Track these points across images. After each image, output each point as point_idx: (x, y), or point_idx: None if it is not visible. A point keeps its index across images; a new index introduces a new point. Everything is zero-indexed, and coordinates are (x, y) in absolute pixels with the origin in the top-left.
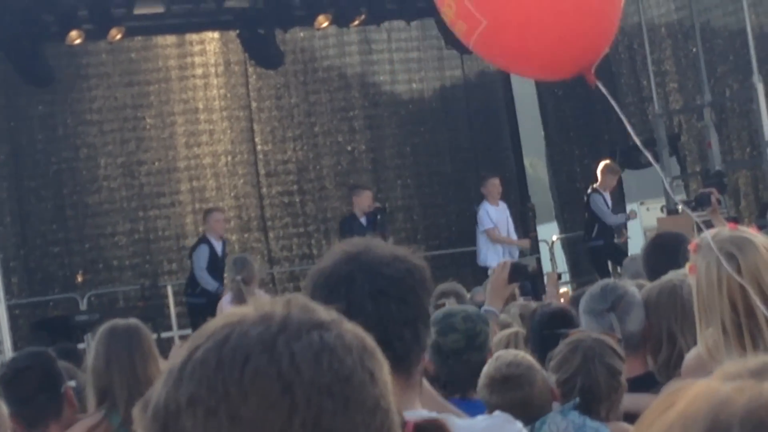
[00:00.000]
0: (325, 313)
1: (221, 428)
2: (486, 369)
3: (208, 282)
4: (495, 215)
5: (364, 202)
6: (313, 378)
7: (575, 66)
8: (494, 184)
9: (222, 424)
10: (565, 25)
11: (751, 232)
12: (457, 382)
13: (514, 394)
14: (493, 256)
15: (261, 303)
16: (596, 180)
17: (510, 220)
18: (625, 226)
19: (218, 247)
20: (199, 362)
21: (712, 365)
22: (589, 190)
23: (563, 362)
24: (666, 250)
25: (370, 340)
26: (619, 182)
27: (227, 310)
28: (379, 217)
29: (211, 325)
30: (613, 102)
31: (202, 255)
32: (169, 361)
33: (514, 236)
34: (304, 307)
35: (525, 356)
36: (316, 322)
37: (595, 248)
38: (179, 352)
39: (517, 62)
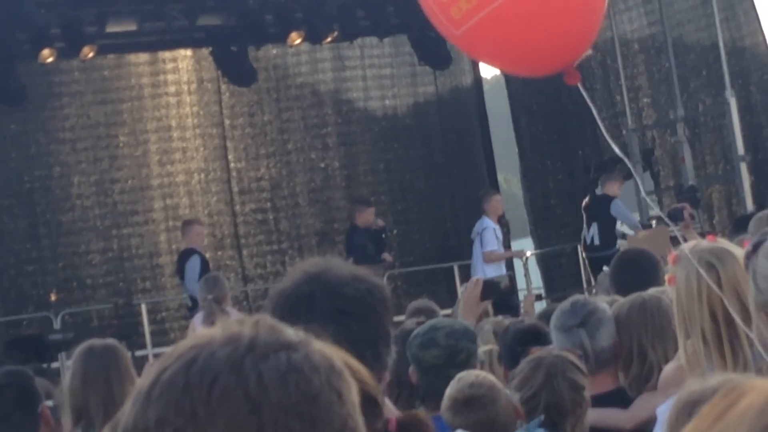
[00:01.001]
0: (293, 333)
1: None
2: (448, 391)
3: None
4: (498, 233)
5: (367, 218)
6: (280, 398)
7: (563, 62)
8: (498, 200)
9: None
10: (567, 16)
11: (729, 243)
12: (438, 399)
13: (478, 415)
14: (490, 270)
15: (229, 324)
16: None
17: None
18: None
19: (204, 255)
20: (167, 383)
21: (691, 376)
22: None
23: (526, 380)
24: (633, 267)
25: (338, 360)
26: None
27: (199, 329)
28: (384, 236)
29: (180, 346)
30: (592, 106)
31: (195, 266)
32: (139, 381)
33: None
34: (271, 328)
35: (487, 376)
36: (283, 343)
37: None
38: (148, 373)
39: (511, 50)
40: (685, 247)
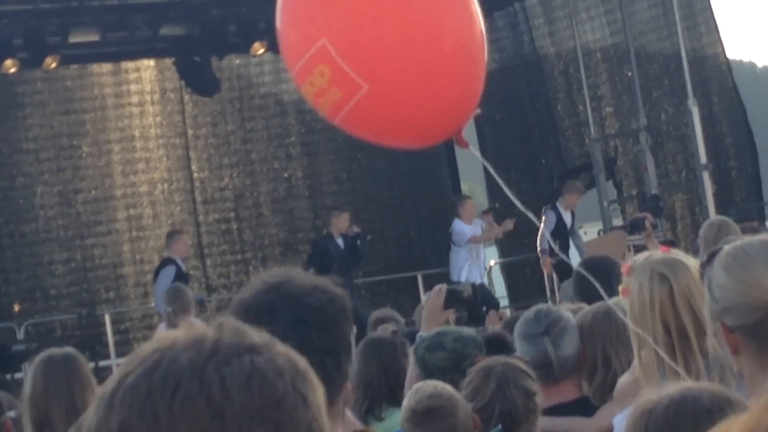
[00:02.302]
0: (257, 336)
1: None
2: (406, 402)
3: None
4: (470, 231)
5: (341, 223)
6: (243, 404)
7: (449, 130)
8: (471, 205)
9: None
10: (442, 87)
11: (683, 254)
12: None
13: (438, 426)
14: (472, 274)
15: (192, 327)
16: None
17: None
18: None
19: (183, 267)
20: (130, 388)
21: (646, 387)
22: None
23: (478, 390)
24: (595, 274)
25: (303, 363)
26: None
27: None
28: (359, 242)
29: (142, 350)
30: (487, 165)
31: (169, 276)
32: (102, 385)
33: (482, 254)
34: (235, 331)
35: (445, 387)
36: (247, 346)
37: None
38: (112, 377)
39: (393, 130)
40: (639, 257)
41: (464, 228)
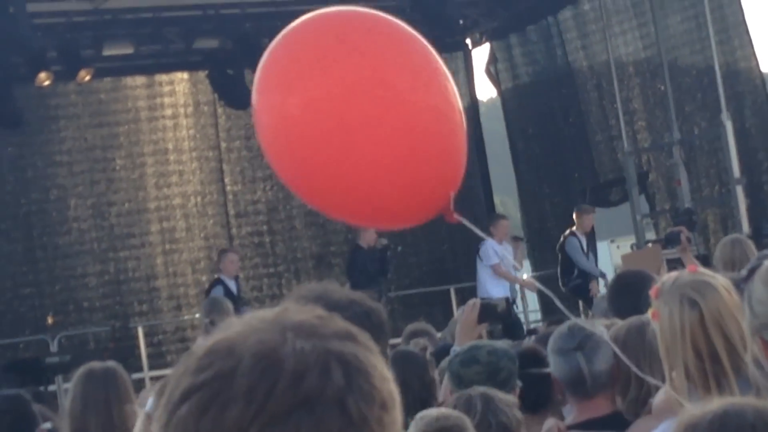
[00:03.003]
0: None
1: None
2: (413, 430)
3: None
4: (500, 251)
5: (369, 237)
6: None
7: (433, 211)
8: (504, 225)
9: None
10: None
11: (710, 274)
12: None
13: None
14: (496, 290)
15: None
16: (573, 223)
17: (512, 261)
18: (597, 278)
19: (233, 285)
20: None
21: (678, 408)
22: (567, 232)
23: None
24: (629, 290)
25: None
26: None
27: None
28: (389, 253)
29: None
30: (472, 227)
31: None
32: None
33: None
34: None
35: (447, 409)
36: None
37: (576, 287)
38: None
39: (376, 220)
40: (666, 280)
41: (494, 246)
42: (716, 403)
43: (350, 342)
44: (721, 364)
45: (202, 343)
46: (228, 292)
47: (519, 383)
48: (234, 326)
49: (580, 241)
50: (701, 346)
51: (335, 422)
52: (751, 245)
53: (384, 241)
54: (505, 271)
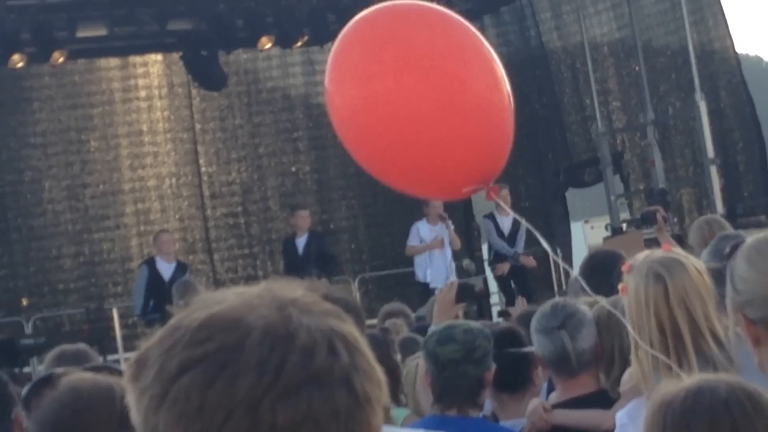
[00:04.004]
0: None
1: None
2: None
3: (137, 304)
4: (428, 233)
5: (299, 222)
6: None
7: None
8: (433, 206)
9: None
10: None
11: (684, 254)
12: (453, 396)
13: None
14: (432, 274)
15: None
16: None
17: (448, 240)
18: (511, 259)
19: (166, 268)
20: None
21: (644, 386)
22: (484, 215)
23: None
24: (601, 269)
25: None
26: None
27: None
28: (316, 240)
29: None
30: (506, 207)
31: (141, 276)
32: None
33: (445, 256)
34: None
35: None
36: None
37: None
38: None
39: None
40: (638, 256)
41: (419, 228)
42: (690, 380)
43: (343, 321)
44: (683, 341)
45: (183, 319)
46: (154, 273)
47: (493, 364)
48: (224, 301)
49: (495, 223)
50: (665, 321)
51: (343, 400)
52: (726, 225)
53: (313, 228)
54: (415, 249)
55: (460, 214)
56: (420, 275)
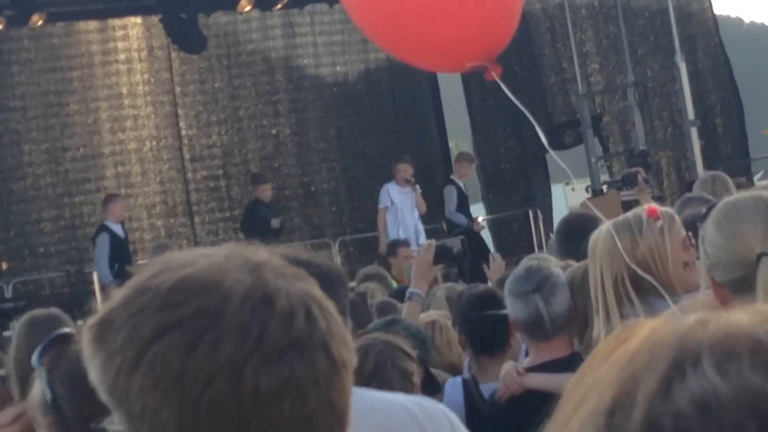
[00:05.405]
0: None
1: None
2: None
3: (104, 273)
4: (397, 195)
5: (266, 193)
6: None
7: (479, 57)
8: (400, 169)
9: None
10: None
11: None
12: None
13: None
14: (394, 231)
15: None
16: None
17: (414, 204)
18: (464, 229)
19: (119, 230)
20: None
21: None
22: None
23: (355, 369)
24: (576, 232)
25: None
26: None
27: None
28: (280, 212)
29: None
30: (514, 99)
31: (103, 244)
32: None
33: (413, 218)
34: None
35: None
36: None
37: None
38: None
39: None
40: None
41: (389, 190)
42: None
43: (312, 284)
44: (605, 297)
45: (150, 281)
46: (114, 238)
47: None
48: (193, 263)
49: (458, 188)
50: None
51: (323, 366)
52: (729, 181)
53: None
54: (384, 217)
55: (441, 176)
56: (392, 234)
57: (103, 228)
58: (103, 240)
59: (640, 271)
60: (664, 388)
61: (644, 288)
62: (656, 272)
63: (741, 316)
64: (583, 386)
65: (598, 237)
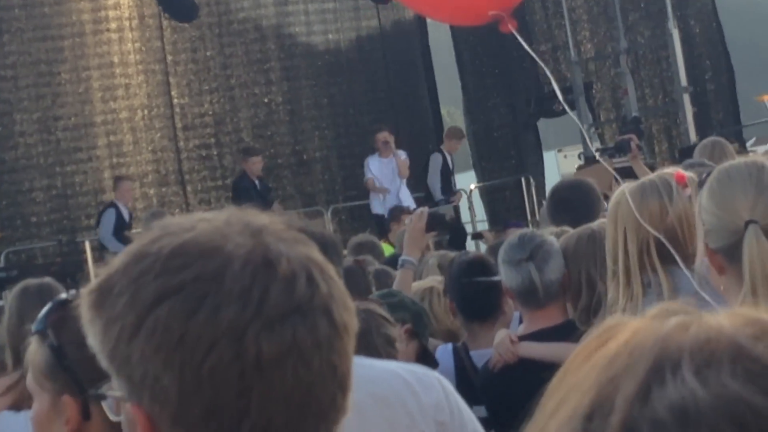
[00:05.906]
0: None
1: None
2: None
3: (116, 246)
4: (378, 167)
5: (255, 168)
6: None
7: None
8: (379, 138)
9: None
10: None
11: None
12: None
13: None
14: (378, 206)
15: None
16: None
17: (397, 173)
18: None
19: (125, 212)
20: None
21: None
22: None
23: None
24: (567, 200)
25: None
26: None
27: None
28: (270, 186)
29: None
30: (530, 50)
31: (109, 219)
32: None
33: (395, 186)
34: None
35: None
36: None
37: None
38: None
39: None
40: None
41: (371, 162)
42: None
43: (312, 248)
44: (629, 262)
45: (149, 246)
46: (119, 217)
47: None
48: (193, 228)
49: (445, 159)
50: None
51: (325, 330)
52: (729, 147)
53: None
54: (372, 186)
55: (433, 144)
56: (376, 208)
57: (112, 205)
58: (110, 214)
59: (665, 240)
60: (643, 393)
61: (668, 257)
62: (682, 241)
63: (723, 320)
64: (564, 387)
65: (621, 198)
